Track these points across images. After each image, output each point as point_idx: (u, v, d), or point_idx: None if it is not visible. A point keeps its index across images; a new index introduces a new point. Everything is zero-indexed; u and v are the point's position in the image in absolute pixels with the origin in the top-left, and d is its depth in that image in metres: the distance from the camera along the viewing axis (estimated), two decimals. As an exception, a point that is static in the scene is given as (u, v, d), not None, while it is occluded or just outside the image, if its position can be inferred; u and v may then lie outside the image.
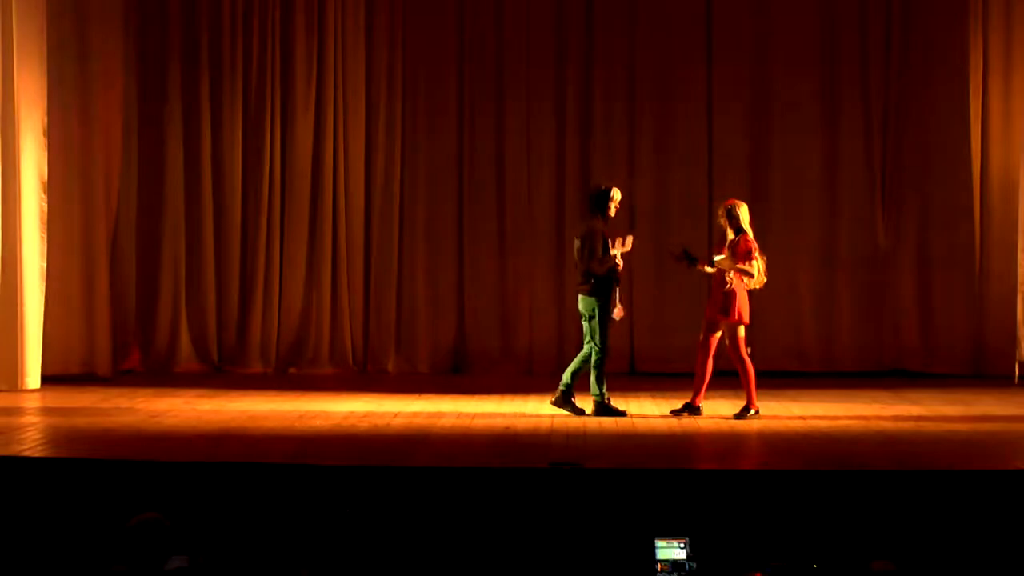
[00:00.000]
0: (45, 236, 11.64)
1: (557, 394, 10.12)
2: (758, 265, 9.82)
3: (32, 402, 10.89)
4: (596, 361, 9.97)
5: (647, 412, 10.26)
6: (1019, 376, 12.43)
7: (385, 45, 13.40)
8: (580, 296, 10.13)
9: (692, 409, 9.92)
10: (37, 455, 8.19)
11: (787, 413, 10.24)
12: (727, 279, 9.82)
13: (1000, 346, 12.81)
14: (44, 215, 11.63)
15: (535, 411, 10.30)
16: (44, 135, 11.63)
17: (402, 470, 7.74)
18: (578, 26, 13.43)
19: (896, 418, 10.00)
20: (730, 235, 9.90)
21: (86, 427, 9.34)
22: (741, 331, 9.86)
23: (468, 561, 6.87)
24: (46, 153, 11.65)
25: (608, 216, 10.12)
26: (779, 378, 12.21)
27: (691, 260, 10.05)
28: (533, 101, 13.41)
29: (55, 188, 11.92)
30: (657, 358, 13.18)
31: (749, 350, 9.93)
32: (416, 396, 11.05)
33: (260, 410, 10.30)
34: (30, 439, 8.92)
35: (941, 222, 13.23)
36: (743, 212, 9.92)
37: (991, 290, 13.05)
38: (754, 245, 9.85)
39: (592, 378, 10.00)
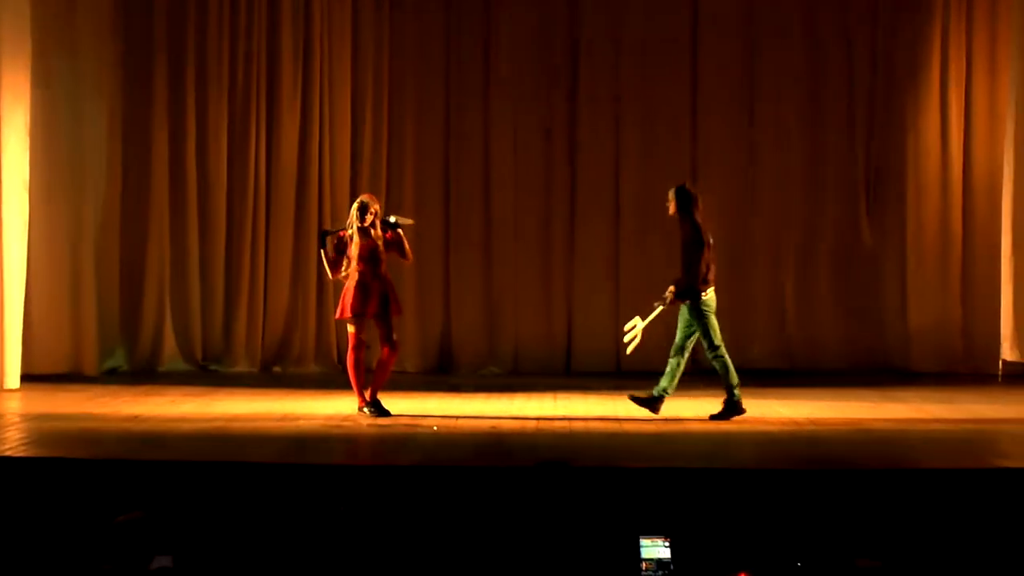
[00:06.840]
0: (26, 236, 11.58)
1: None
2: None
3: (14, 402, 10.83)
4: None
5: (633, 412, 10.25)
6: (1003, 374, 12.49)
7: (372, 45, 13.38)
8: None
9: (378, 406, 9.81)
10: (20, 455, 8.15)
11: (773, 413, 10.23)
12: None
13: (985, 344, 12.86)
14: (26, 215, 11.57)
15: (521, 411, 10.29)
16: (27, 134, 11.57)
17: (388, 469, 7.73)
18: (563, 28, 13.43)
19: (882, 417, 10.00)
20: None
21: (70, 426, 9.30)
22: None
23: (454, 560, 6.85)
24: (28, 152, 11.59)
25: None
26: (765, 377, 12.20)
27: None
28: (520, 101, 13.40)
29: (39, 187, 11.88)
30: (645, 357, 13.16)
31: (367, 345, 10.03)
32: (402, 395, 11.02)
33: (245, 409, 10.27)
34: (12, 439, 8.88)
35: (925, 221, 13.25)
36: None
37: (976, 289, 13.10)
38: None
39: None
